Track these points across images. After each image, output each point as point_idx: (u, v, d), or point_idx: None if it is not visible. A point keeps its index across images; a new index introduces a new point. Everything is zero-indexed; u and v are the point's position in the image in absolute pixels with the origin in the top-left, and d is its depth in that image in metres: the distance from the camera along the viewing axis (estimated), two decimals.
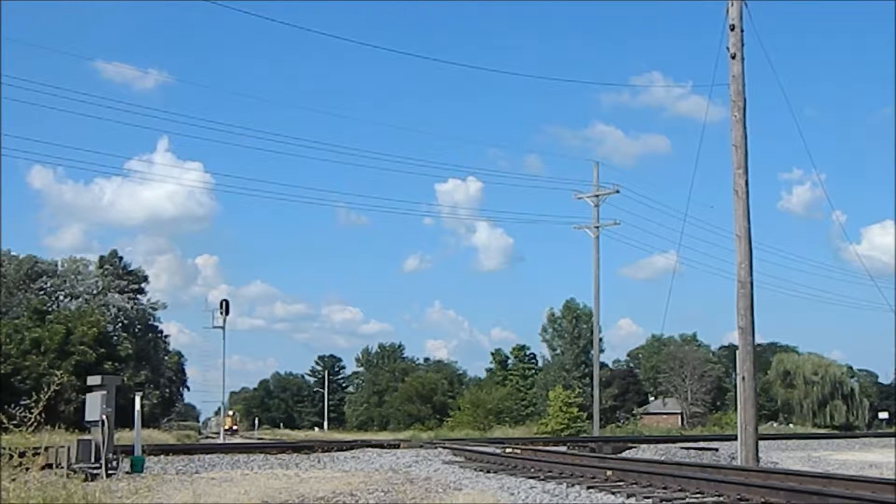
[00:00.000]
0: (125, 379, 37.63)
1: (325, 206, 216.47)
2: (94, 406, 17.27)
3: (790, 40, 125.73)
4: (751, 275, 19.89)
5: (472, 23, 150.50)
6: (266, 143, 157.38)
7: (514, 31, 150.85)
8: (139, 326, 66.76)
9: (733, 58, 20.31)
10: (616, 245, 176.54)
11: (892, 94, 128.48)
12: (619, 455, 23.62)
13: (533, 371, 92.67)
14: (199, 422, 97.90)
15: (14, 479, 7.52)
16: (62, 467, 15.13)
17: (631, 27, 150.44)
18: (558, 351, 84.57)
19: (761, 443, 20.70)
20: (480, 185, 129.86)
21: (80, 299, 63.38)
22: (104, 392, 17.39)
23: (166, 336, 74.50)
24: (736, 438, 21.37)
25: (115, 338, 58.82)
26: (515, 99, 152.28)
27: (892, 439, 39.85)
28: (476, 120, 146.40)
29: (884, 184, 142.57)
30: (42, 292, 62.92)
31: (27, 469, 7.91)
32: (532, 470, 16.59)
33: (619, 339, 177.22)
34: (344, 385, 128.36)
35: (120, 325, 63.98)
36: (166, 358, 75.75)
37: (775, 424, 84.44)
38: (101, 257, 68.75)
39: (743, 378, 19.63)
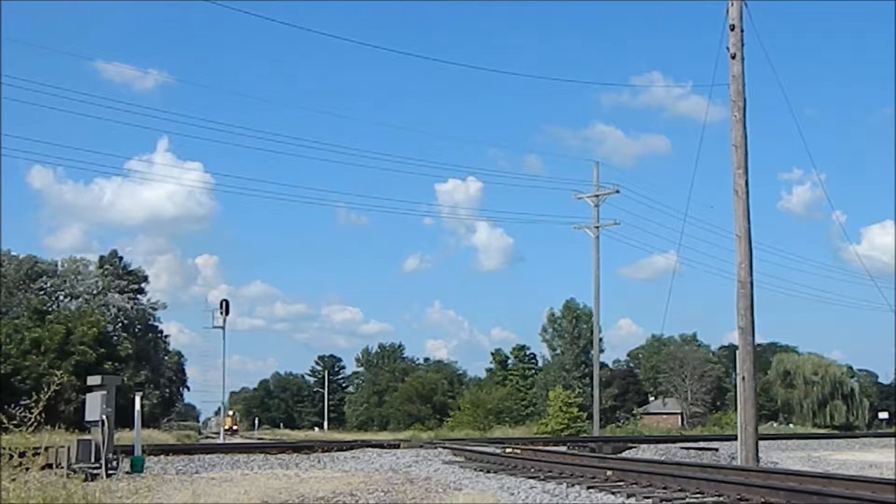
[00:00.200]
0: (125, 379, 37.62)
1: (325, 206, 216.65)
2: (94, 406, 17.26)
3: (790, 40, 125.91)
4: (751, 275, 19.89)
5: (472, 23, 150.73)
6: (266, 143, 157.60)
7: (514, 31, 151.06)
8: (139, 326, 66.77)
9: (733, 58, 20.31)
10: (616, 245, 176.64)
11: (892, 94, 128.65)
12: (619, 455, 23.62)
13: (533, 371, 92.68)
14: (199, 422, 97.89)
15: (14, 479, 7.52)
16: (62, 467, 15.13)
17: (631, 27, 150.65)
18: (558, 351, 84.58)
19: (761, 443, 20.70)
20: (480, 185, 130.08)
21: (80, 299, 63.38)
22: (104, 392, 17.39)
23: (166, 336, 74.65)
24: (736, 438, 21.37)
25: (115, 338, 58.82)
26: (515, 99, 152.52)
27: (892, 439, 39.85)
28: (476, 120, 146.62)
29: (884, 184, 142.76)
30: (42, 292, 62.92)
31: (27, 469, 7.91)
32: (532, 470, 16.59)
33: (619, 339, 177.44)
34: (344, 385, 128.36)
35: (120, 325, 63.98)
36: (166, 358, 75.76)
37: (775, 424, 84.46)
38: (101, 257, 68.78)
39: (743, 378, 19.63)
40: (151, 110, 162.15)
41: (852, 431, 71.35)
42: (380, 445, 26.61)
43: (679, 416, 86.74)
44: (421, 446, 26.52)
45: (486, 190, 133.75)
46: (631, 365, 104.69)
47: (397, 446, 26.41)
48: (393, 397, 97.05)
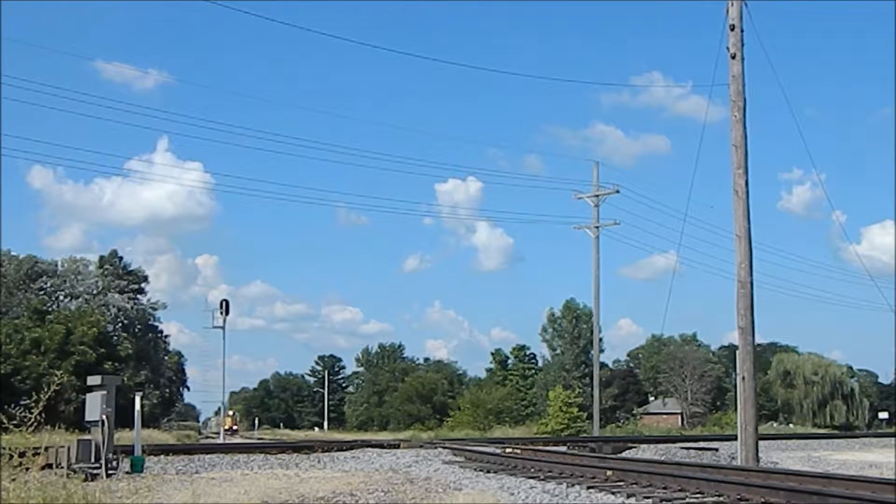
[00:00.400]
0: (125, 379, 37.62)
1: (325, 206, 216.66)
2: (94, 406, 17.26)
3: (790, 40, 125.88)
4: (751, 275, 19.88)
5: (472, 23, 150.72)
6: (266, 143, 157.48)
7: (514, 31, 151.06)
8: (139, 326, 66.76)
9: (733, 58, 20.31)
10: (616, 245, 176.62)
11: (892, 94, 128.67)
12: (619, 455, 23.61)
13: (533, 371, 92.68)
14: (199, 422, 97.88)
15: (14, 479, 7.52)
16: (62, 467, 15.13)
17: (631, 27, 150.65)
18: (558, 351, 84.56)
19: (761, 443, 20.70)
20: (480, 185, 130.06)
21: (80, 299, 63.37)
22: (104, 392, 17.39)
23: (166, 336, 74.63)
24: (736, 438, 21.37)
25: (115, 338, 58.81)
26: (515, 99, 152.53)
27: (892, 439, 39.85)
28: (476, 120, 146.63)
29: (884, 184, 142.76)
30: (42, 292, 62.92)
31: (27, 469, 7.91)
32: (532, 470, 16.58)
33: (619, 339, 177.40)
34: (344, 385, 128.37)
35: (120, 325, 63.97)
36: (166, 358, 75.75)
37: (775, 424, 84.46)
38: (101, 257, 68.77)
39: (743, 378, 19.62)
40: (151, 110, 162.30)
41: (852, 431, 71.34)
42: (380, 445, 26.60)
43: (679, 416, 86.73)
44: (421, 446, 26.51)
45: (486, 190, 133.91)
46: (631, 365, 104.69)
47: (397, 446, 26.41)
48: (393, 397, 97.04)
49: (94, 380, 18.12)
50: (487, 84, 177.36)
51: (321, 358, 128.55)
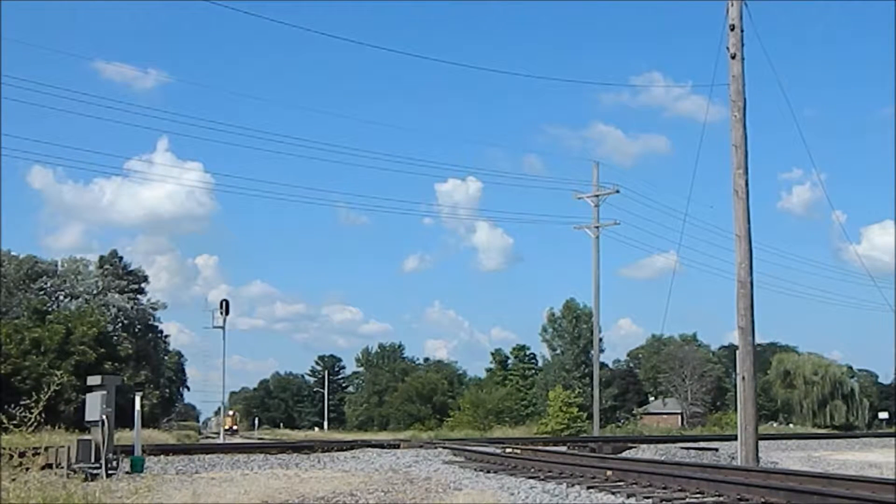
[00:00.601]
0: (125, 379, 37.62)
1: (325, 206, 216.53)
2: (94, 406, 17.26)
3: (790, 40, 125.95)
4: (751, 275, 19.89)
5: (472, 23, 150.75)
6: (266, 143, 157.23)
7: (515, 31, 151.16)
8: (139, 326, 66.71)
9: (733, 58, 20.31)
10: (616, 245, 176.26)
11: (892, 94, 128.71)
12: (619, 455, 23.61)
13: (533, 371, 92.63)
14: (199, 422, 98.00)
15: (14, 479, 7.52)
16: (62, 467, 15.14)
17: (631, 27, 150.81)
18: (558, 351, 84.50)
19: (761, 443, 20.70)
20: (480, 185, 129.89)
21: (80, 299, 63.32)
22: (104, 392, 17.38)
23: (166, 336, 74.63)
24: (736, 438, 21.36)
25: (115, 338, 58.78)
26: (515, 99, 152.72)
27: (892, 439, 39.86)
28: (476, 120, 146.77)
29: (884, 184, 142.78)
30: (42, 292, 62.85)
31: (27, 469, 7.91)
32: (532, 470, 16.59)
33: (619, 339, 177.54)
34: (344, 385, 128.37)
35: (120, 325, 63.92)
36: (166, 358, 75.77)
37: (775, 424, 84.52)
38: (101, 257, 68.69)
39: (743, 378, 19.62)
40: (151, 110, 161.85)
41: (852, 431, 71.35)
42: (380, 445, 26.62)
43: (679, 416, 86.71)
44: (421, 446, 26.53)
45: (485, 190, 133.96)
46: (631, 365, 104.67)
47: (397, 446, 26.42)
48: (393, 397, 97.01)
49: (94, 380, 18.12)
50: (487, 84, 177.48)
51: (321, 358, 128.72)
